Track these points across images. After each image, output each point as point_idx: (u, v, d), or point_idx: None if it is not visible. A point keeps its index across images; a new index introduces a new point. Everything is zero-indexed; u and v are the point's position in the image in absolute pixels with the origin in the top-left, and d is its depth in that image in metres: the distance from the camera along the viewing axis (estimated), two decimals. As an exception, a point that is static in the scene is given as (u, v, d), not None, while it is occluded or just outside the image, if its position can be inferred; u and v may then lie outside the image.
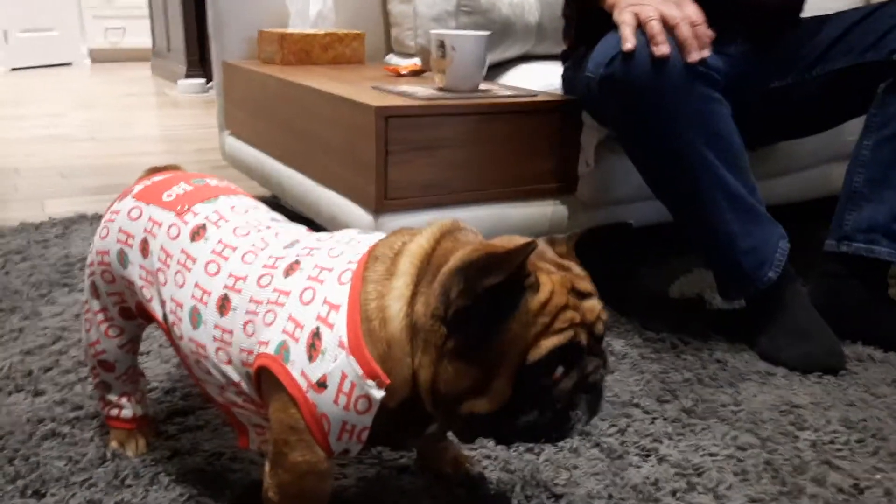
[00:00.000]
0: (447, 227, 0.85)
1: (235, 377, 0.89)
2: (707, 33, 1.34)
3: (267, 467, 0.88)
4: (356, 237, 0.91)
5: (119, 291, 1.05)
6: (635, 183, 1.55)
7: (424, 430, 0.89)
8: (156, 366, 1.39)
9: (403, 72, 1.94)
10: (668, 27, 1.33)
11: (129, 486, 1.06)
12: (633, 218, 1.76)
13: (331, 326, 0.80)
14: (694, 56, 1.32)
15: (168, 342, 1.21)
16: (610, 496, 1.06)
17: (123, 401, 1.14)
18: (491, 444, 1.16)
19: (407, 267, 0.81)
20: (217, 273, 0.91)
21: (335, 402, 0.79)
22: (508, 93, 1.65)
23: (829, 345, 1.43)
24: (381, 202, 1.50)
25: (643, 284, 1.84)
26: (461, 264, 0.75)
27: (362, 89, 1.66)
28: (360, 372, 0.78)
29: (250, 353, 0.86)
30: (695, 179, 1.40)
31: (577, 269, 0.82)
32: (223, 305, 0.89)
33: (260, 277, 0.89)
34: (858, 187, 1.51)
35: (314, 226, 1.16)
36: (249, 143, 2.16)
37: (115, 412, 1.14)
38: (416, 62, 2.08)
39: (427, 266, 0.81)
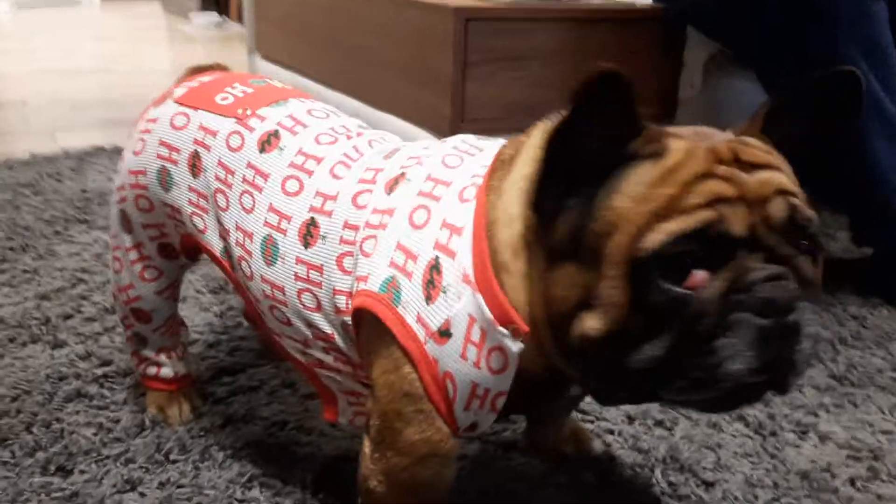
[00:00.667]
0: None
1: (326, 328, 0.68)
2: None
3: (367, 448, 0.67)
4: (477, 143, 0.68)
5: (158, 223, 0.83)
6: (747, 106, 1.31)
7: (565, 392, 0.67)
8: (194, 314, 1.17)
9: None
10: None
11: (175, 461, 0.85)
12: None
13: (452, 255, 0.59)
14: None
15: (228, 286, 1.00)
16: (775, 484, 0.85)
17: (162, 357, 0.93)
18: (611, 413, 0.95)
19: (524, 162, 0.60)
20: (298, 192, 0.69)
21: (462, 356, 0.59)
22: None
23: None
24: (458, 124, 1.27)
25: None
26: (556, 125, 0.52)
27: (430, -8, 1.41)
28: (490, 316, 0.57)
29: (348, 295, 0.64)
30: None
31: (751, 140, 0.56)
32: (308, 233, 0.67)
33: (356, 196, 0.67)
34: None
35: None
36: (286, 66, 1.92)
37: (152, 371, 0.93)
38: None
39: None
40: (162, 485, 0.82)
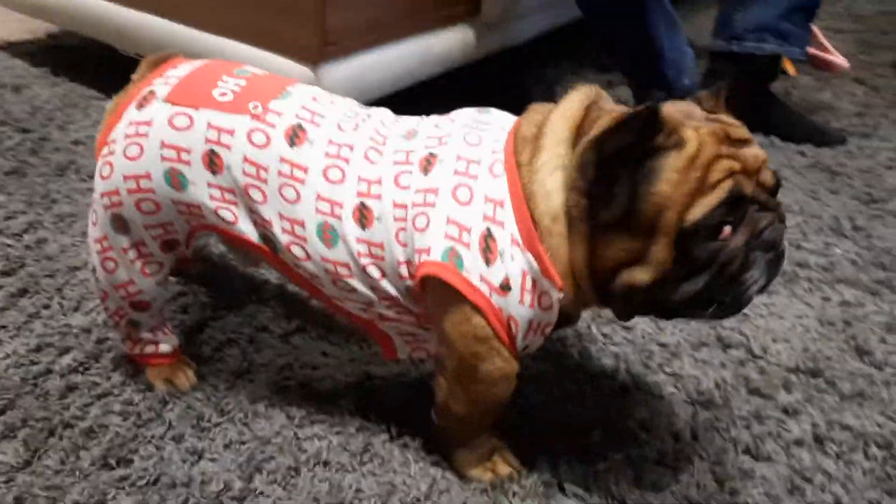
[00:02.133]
0: (591, 95, 0.79)
1: (391, 291, 0.80)
2: None
3: (442, 382, 0.84)
4: (480, 118, 0.83)
5: (166, 221, 0.86)
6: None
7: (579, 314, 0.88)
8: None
9: None
10: None
11: (220, 423, 0.94)
12: (528, 32, 1.81)
13: (501, 224, 0.75)
14: None
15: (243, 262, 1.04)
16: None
17: (159, 335, 0.98)
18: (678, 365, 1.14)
19: (554, 144, 0.76)
20: (342, 180, 0.79)
21: (521, 302, 0.76)
22: None
23: None
24: (322, 50, 1.33)
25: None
26: (596, 133, 0.71)
27: None
28: (538, 269, 0.75)
29: (409, 263, 0.78)
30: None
31: (729, 119, 0.77)
32: (363, 216, 0.78)
33: (396, 177, 0.79)
34: None
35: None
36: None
37: (150, 349, 0.98)
38: None
39: (579, 129, 0.76)
40: (226, 446, 0.91)
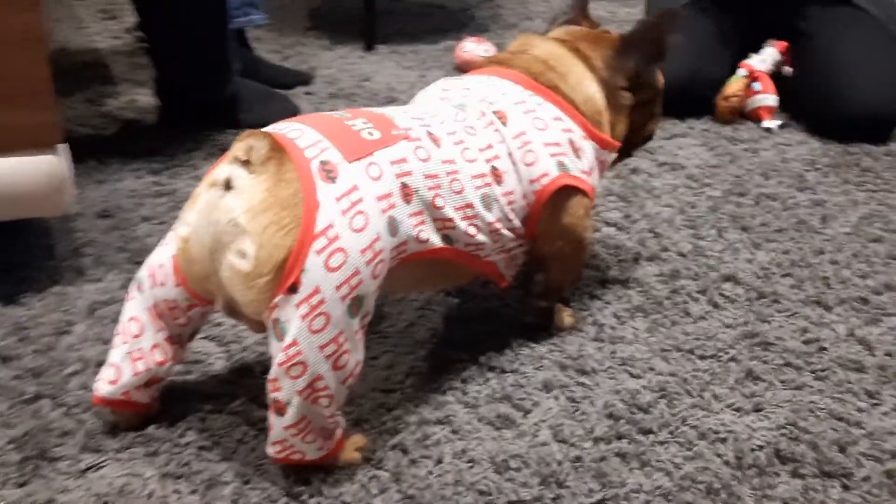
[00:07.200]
0: (562, 29, 1.14)
1: (517, 223, 0.99)
2: None
3: (553, 268, 1.06)
4: (484, 80, 1.03)
5: (383, 278, 0.84)
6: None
7: None
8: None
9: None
10: None
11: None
12: None
13: (571, 131, 1.02)
14: None
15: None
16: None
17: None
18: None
19: (570, 60, 1.06)
20: (475, 159, 0.94)
21: (591, 174, 1.04)
22: None
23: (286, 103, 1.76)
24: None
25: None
26: (628, 44, 1.08)
27: None
28: (598, 148, 1.05)
29: (524, 196, 0.99)
30: None
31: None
32: (497, 176, 0.96)
33: (491, 137, 0.97)
34: None
35: None
36: None
37: (340, 429, 0.88)
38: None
39: (577, 52, 1.07)
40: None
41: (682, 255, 1.30)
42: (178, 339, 0.91)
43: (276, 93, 1.80)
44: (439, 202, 0.88)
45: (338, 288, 0.78)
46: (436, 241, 0.89)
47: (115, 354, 0.89)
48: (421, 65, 2.08)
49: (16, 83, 1.05)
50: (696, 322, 1.15)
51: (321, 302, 0.77)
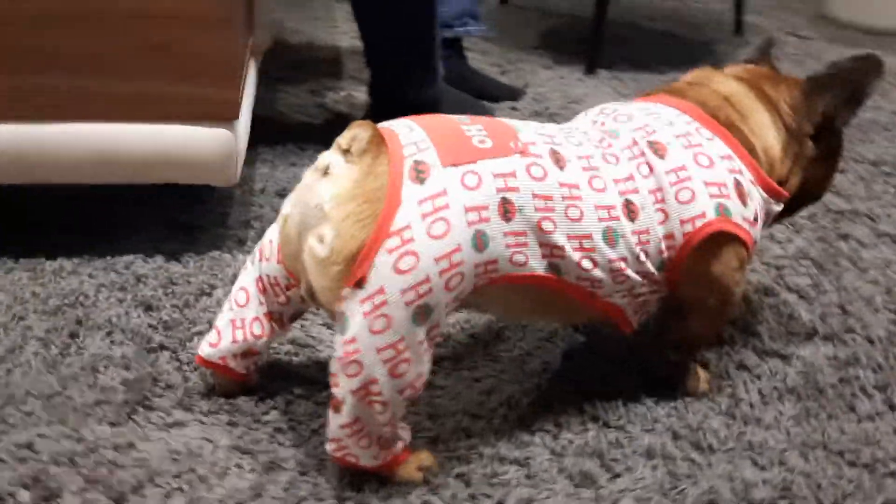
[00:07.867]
0: (740, 67, 1.04)
1: (651, 269, 0.88)
2: None
3: (693, 318, 0.95)
4: (650, 108, 0.94)
5: (460, 293, 0.80)
6: None
7: None
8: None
9: None
10: None
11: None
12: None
13: (740, 172, 0.91)
14: None
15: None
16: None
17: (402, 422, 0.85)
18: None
19: (752, 101, 0.96)
20: (604, 188, 0.85)
21: (755, 225, 0.92)
22: None
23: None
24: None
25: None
26: (818, 85, 0.97)
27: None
28: (766, 196, 0.94)
29: (669, 237, 0.88)
30: None
31: None
32: (630, 210, 0.86)
33: (638, 168, 0.88)
34: None
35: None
36: None
37: (401, 444, 0.85)
38: None
39: (761, 93, 0.97)
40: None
41: (869, 340, 1.10)
42: (279, 317, 0.92)
43: (479, 103, 1.81)
44: (547, 226, 0.81)
45: (403, 292, 0.75)
46: (537, 267, 0.82)
47: (221, 319, 0.93)
48: (639, 93, 1.96)
49: (205, 61, 1.14)
50: (861, 422, 0.96)
51: (384, 303, 0.75)
